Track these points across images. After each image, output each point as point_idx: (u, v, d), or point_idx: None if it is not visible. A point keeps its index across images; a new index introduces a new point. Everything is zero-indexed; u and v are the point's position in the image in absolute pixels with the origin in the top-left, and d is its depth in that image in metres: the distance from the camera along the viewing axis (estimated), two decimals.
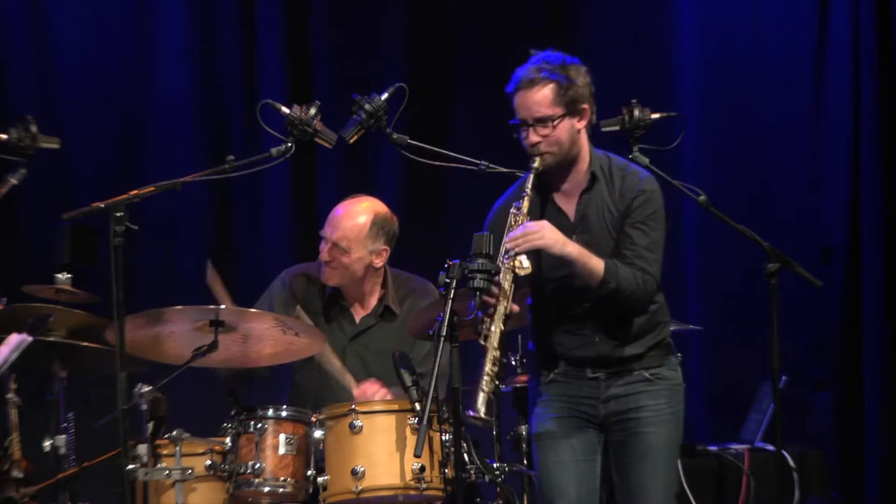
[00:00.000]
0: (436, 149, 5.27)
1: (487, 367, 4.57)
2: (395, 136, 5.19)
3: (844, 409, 7.36)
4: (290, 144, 5.04)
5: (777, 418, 5.81)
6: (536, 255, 4.72)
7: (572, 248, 4.69)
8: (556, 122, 4.73)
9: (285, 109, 5.07)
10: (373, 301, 5.77)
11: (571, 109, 4.75)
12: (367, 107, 5.13)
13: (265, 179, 7.35)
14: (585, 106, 4.79)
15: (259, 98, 5.51)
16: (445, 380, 4.74)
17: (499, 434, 5.74)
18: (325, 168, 7.57)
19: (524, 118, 4.75)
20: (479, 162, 5.29)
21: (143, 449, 4.96)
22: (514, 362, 6.34)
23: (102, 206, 4.74)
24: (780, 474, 6.42)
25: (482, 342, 4.60)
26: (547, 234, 4.67)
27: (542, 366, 4.93)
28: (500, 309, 4.60)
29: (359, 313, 5.77)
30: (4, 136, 4.57)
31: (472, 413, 4.55)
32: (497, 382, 4.59)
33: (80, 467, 5.55)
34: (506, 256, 4.64)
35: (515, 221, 4.72)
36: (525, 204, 4.73)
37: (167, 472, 5.00)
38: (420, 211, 7.46)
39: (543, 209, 4.83)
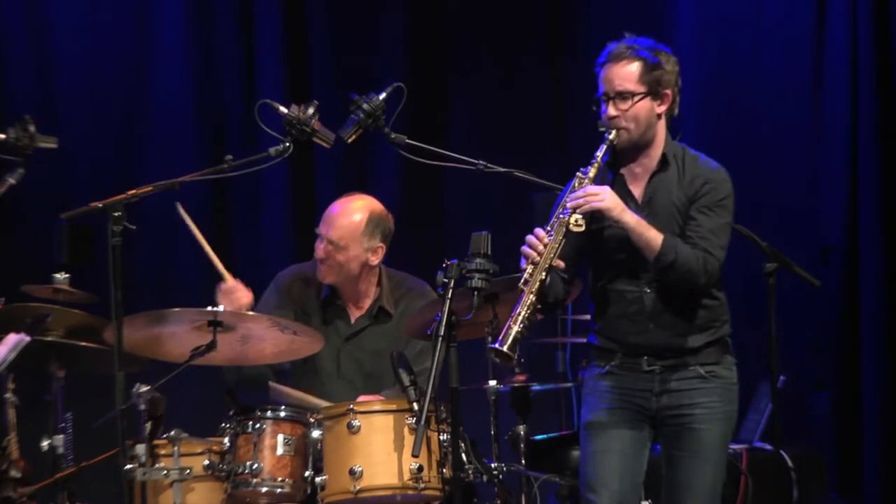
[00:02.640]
0: (434, 148, 5.27)
1: (521, 309, 4.56)
2: (393, 136, 5.19)
3: (843, 408, 7.36)
4: (288, 144, 5.05)
5: (775, 418, 5.82)
6: (599, 233, 4.74)
7: (630, 217, 4.69)
8: (637, 99, 4.75)
9: (283, 109, 5.07)
10: (368, 301, 5.77)
11: (654, 91, 4.77)
12: (365, 106, 5.12)
13: (263, 179, 7.35)
14: (668, 91, 4.80)
15: (257, 98, 5.51)
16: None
17: (496, 434, 5.73)
18: (323, 168, 7.57)
19: (607, 91, 4.78)
20: (477, 162, 5.29)
21: (141, 449, 4.96)
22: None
23: (100, 205, 4.74)
24: (778, 474, 6.42)
25: (521, 286, 4.59)
26: (608, 198, 4.68)
27: (599, 356, 4.89)
28: (546, 259, 4.59)
29: (354, 314, 5.77)
30: (2, 136, 4.57)
31: (497, 346, 4.52)
32: (527, 325, 4.56)
33: (79, 467, 5.56)
34: (563, 212, 4.65)
35: (580, 184, 4.72)
36: (593, 171, 4.73)
37: (165, 471, 5.00)
38: (418, 210, 7.47)
39: (612, 186, 4.81)
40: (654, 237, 4.69)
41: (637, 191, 4.84)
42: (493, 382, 5.70)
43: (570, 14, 7.79)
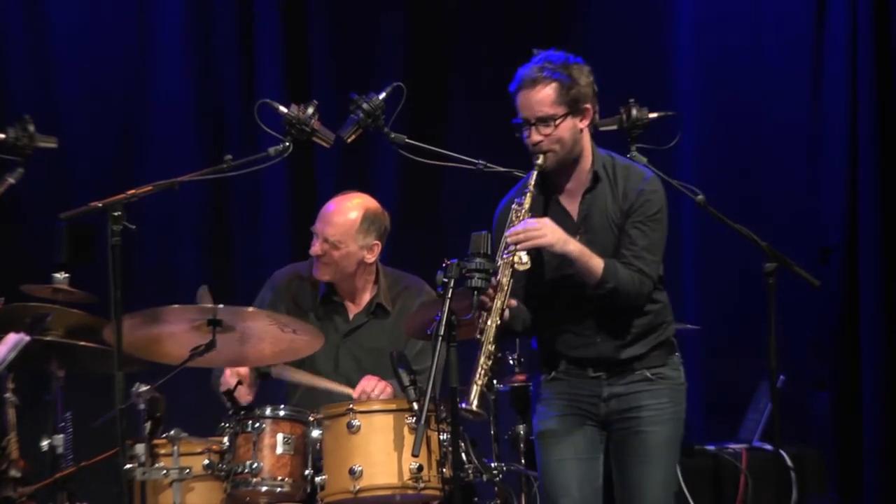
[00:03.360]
0: (433, 148, 5.27)
1: (482, 361, 4.55)
2: (392, 136, 5.19)
3: (842, 408, 7.36)
4: (287, 144, 5.04)
5: (775, 418, 5.81)
6: (537, 253, 4.71)
7: (573, 247, 4.68)
8: (558, 122, 4.72)
9: (283, 109, 5.06)
10: (365, 298, 5.77)
11: (574, 109, 4.74)
12: (364, 106, 5.13)
13: (263, 179, 7.35)
14: (588, 105, 4.78)
15: (257, 97, 5.51)
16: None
17: (496, 433, 5.74)
18: (322, 167, 7.57)
19: (526, 117, 4.74)
20: (476, 161, 5.29)
21: (140, 448, 4.95)
22: (511, 361, 6.34)
23: (100, 205, 4.74)
24: (777, 474, 6.42)
25: (478, 336, 4.58)
26: (548, 232, 4.66)
27: (543, 364, 4.92)
28: (497, 304, 4.59)
29: (352, 310, 5.78)
30: (2, 136, 4.57)
31: (464, 406, 4.54)
32: (491, 377, 4.58)
33: (78, 467, 5.56)
34: (506, 252, 4.63)
35: (517, 217, 4.71)
36: (527, 200, 4.71)
37: (165, 471, 5.00)
38: (418, 210, 7.47)
39: (546, 208, 4.83)
40: (596, 265, 4.70)
41: (572, 208, 4.84)
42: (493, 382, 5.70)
43: (570, 13, 7.79)
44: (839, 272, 7.35)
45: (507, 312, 4.60)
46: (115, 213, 4.69)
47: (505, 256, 4.62)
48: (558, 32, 7.78)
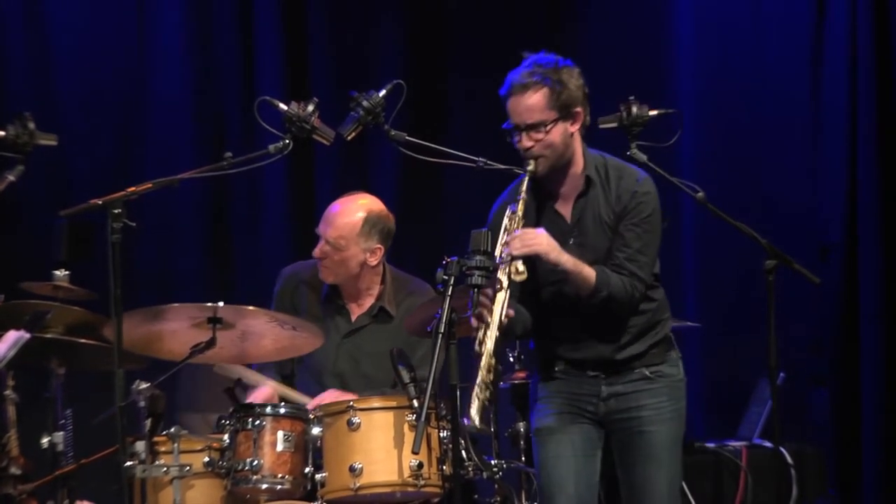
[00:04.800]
0: (434, 145, 5.27)
1: (482, 375, 4.55)
2: (392, 133, 5.18)
3: (842, 405, 7.36)
4: (287, 141, 5.04)
5: (775, 415, 5.81)
6: (532, 261, 4.70)
7: (567, 259, 4.68)
8: (549, 127, 4.71)
9: (283, 106, 5.06)
10: (369, 300, 5.76)
11: (564, 113, 4.73)
12: (364, 103, 5.12)
13: (263, 176, 7.35)
14: (579, 109, 4.76)
15: (257, 95, 5.50)
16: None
17: (497, 431, 5.74)
18: (322, 165, 7.57)
19: (517, 123, 4.73)
20: (477, 159, 5.29)
21: (141, 446, 4.95)
22: (511, 359, 6.34)
23: (100, 202, 4.73)
24: (777, 471, 6.42)
25: (477, 348, 4.57)
26: (543, 241, 4.66)
27: (542, 364, 4.92)
28: (496, 317, 4.58)
29: (355, 312, 5.77)
30: (2, 133, 4.57)
31: (466, 422, 4.55)
32: (492, 390, 4.58)
33: (78, 464, 5.56)
34: (502, 263, 4.61)
35: (511, 225, 4.70)
36: (520, 207, 4.70)
37: (165, 468, 5.00)
38: (418, 208, 7.46)
39: (540, 212, 4.82)
40: (589, 275, 4.69)
41: (565, 211, 4.83)
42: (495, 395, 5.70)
43: (569, 12, 7.78)
44: (839, 269, 7.34)
45: (505, 321, 4.59)
46: (115, 211, 4.69)
47: (501, 266, 4.61)
48: (557, 30, 7.77)
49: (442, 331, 4.51)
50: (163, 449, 5.04)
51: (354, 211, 5.69)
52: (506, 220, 4.71)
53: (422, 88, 7.19)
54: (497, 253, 4.62)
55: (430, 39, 7.79)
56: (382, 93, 5.15)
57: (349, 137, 5.17)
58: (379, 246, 5.68)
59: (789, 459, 6.54)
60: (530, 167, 4.72)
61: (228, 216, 7.64)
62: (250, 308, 5.20)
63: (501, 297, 4.59)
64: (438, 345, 4.51)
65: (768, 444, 6.64)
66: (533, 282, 4.76)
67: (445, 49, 7.81)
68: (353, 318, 5.76)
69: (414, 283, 5.79)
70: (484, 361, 4.56)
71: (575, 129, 4.77)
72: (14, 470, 5.54)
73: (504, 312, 4.58)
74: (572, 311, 4.79)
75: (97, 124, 7.49)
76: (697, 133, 7.40)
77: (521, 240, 4.63)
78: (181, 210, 7.49)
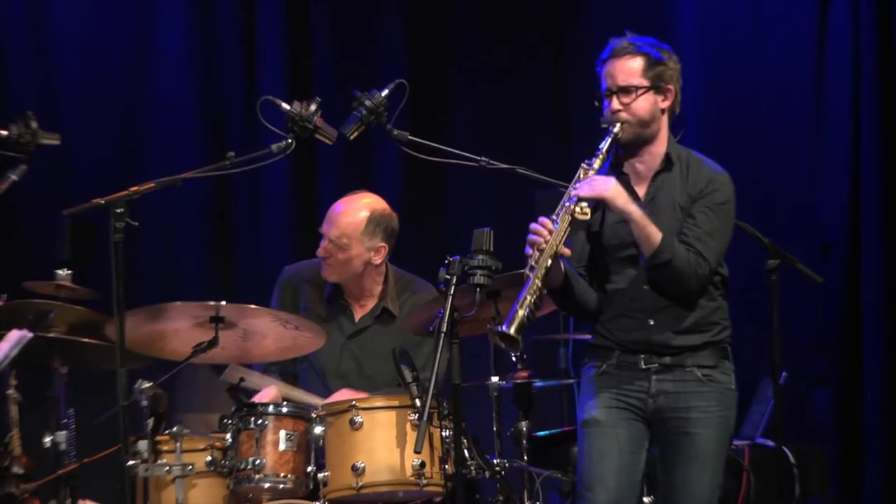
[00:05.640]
0: (436, 145, 5.27)
1: (528, 293, 4.54)
2: (395, 133, 5.18)
3: (844, 404, 7.36)
4: (290, 141, 5.03)
5: (777, 414, 5.81)
6: (601, 222, 4.76)
7: (634, 209, 4.69)
8: (640, 93, 4.76)
9: (285, 106, 5.06)
10: (372, 301, 5.76)
11: (656, 85, 4.78)
12: (367, 103, 5.12)
13: (265, 176, 7.35)
14: (671, 87, 4.81)
15: (259, 94, 5.51)
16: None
17: (499, 430, 5.73)
18: (325, 164, 7.57)
19: (610, 86, 4.79)
20: (479, 158, 5.28)
21: (143, 445, 4.95)
22: (513, 358, 6.34)
23: (102, 202, 4.73)
24: (780, 470, 6.42)
25: (527, 272, 4.58)
26: (613, 187, 4.68)
27: (596, 355, 4.88)
28: (551, 245, 4.59)
29: (358, 312, 5.77)
30: (5, 133, 4.57)
31: (503, 328, 4.51)
32: (533, 311, 4.55)
33: (81, 463, 5.55)
34: (568, 199, 4.65)
35: (585, 174, 4.72)
36: (597, 163, 4.74)
37: (167, 468, 5.00)
38: (420, 207, 7.47)
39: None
40: (655, 233, 4.69)
41: (640, 189, 4.83)
42: (495, 379, 5.71)
43: (571, 10, 7.79)
44: (841, 269, 7.34)
45: (564, 251, 4.62)
46: (118, 210, 4.69)
47: (567, 203, 4.65)
48: (560, 29, 7.78)
49: (444, 330, 4.52)
50: (165, 448, 5.04)
51: (358, 210, 5.69)
52: (579, 171, 4.74)
53: (425, 88, 7.20)
54: (565, 196, 4.67)
55: (433, 39, 7.80)
56: (385, 92, 5.14)
57: (352, 137, 5.17)
58: (383, 244, 5.68)
59: (792, 458, 6.53)
60: (615, 129, 4.75)
61: (231, 215, 7.64)
62: (252, 307, 5.21)
63: (561, 229, 4.61)
64: (441, 344, 4.51)
65: (771, 444, 6.64)
66: (599, 247, 4.79)
67: (448, 48, 7.81)
68: (357, 318, 5.75)
69: (417, 282, 5.79)
70: (532, 283, 4.56)
71: (665, 105, 4.82)
72: (17, 469, 5.54)
73: (561, 245, 4.60)
74: (634, 287, 4.78)
75: (100, 124, 7.49)
76: (700, 132, 7.39)
77: (590, 183, 4.67)
78: (184, 209, 7.50)
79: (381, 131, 5.18)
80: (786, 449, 6.46)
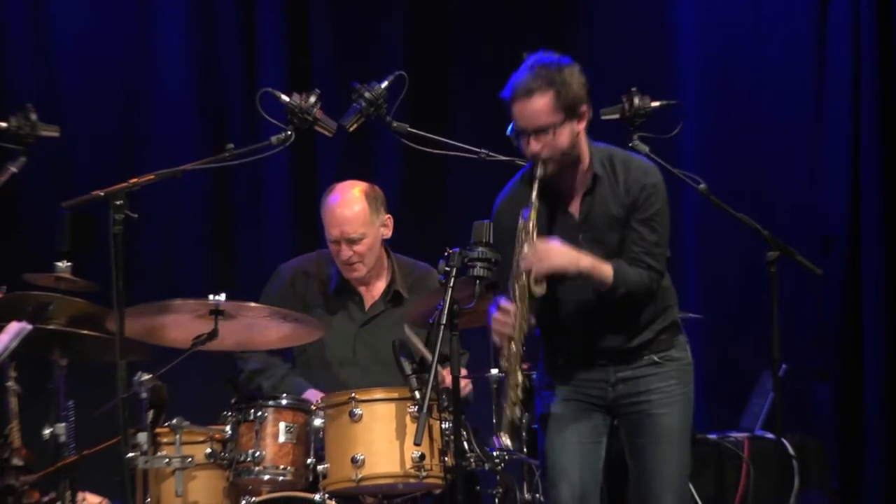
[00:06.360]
0: (436, 137, 5.27)
1: (511, 395, 4.58)
2: (395, 125, 5.18)
3: (845, 397, 7.36)
4: (289, 133, 5.04)
5: (777, 407, 5.81)
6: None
7: (585, 263, 4.65)
8: (556, 129, 4.66)
9: (285, 98, 5.06)
10: (380, 287, 5.79)
11: (570, 114, 4.67)
12: (367, 95, 5.12)
13: (265, 168, 7.35)
14: (584, 108, 4.71)
15: (259, 86, 5.50)
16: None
17: (498, 422, 5.73)
18: (325, 156, 7.56)
19: (524, 128, 4.67)
20: (479, 150, 5.29)
21: (143, 437, 4.96)
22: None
23: (102, 194, 4.74)
24: (780, 463, 6.41)
25: (504, 365, 4.59)
26: (562, 255, 4.63)
27: (549, 352, 4.91)
28: (520, 331, 4.58)
29: (368, 300, 5.79)
30: (4, 125, 4.57)
31: (498, 444, 4.55)
32: (520, 406, 4.58)
33: (81, 455, 5.55)
34: (519, 279, 4.59)
35: (526, 234, 4.64)
36: (533, 214, 4.65)
37: (167, 460, 5.01)
38: (420, 199, 7.46)
39: (550, 212, 4.78)
40: (607, 273, 4.67)
41: (574, 208, 4.79)
42: (494, 371, 5.70)
43: (571, 10, 7.77)
44: (842, 261, 7.34)
45: (531, 324, 4.62)
46: (117, 202, 4.69)
47: (519, 280, 4.59)
48: (560, 26, 7.76)
49: (444, 322, 4.52)
50: (165, 440, 5.05)
51: (356, 200, 5.71)
52: (520, 231, 4.65)
53: (424, 80, 7.18)
54: (514, 266, 4.60)
55: (433, 31, 7.79)
56: (384, 84, 5.15)
57: (351, 129, 5.17)
58: (388, 215, 5.72)
59: (791, 451, 6.53)
60: (539, 173, 4.66)
61: (231, 207, 7.63)
62: (252, 304, 5.20)
63: (522, 309, 4.58)
64: (440, 336, 4.51)
65: (770, 436, 6.63)
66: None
67: (447, 40, 7.80)
68: (367, 306, 5.78)
69: (419, 266, 5.84)
70: (512, 380, 4.59)
71: (581, 127, 4.72)
72: (16, 461, 5.54)
73: (526, 326, 4.60)
74: (583, 307, 4.78)
75: (100, 116, 7.48)
76: (700, 124, 7.40)
77: (538, 258, 4.60)
78: (183, 201, 7.49)
79: (381, 123, 5.19)
80: (785, 441, 6.46)
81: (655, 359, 4.81)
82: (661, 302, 4.83)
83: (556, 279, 4.71)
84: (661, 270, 4.75)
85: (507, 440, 4.56)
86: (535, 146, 4.66)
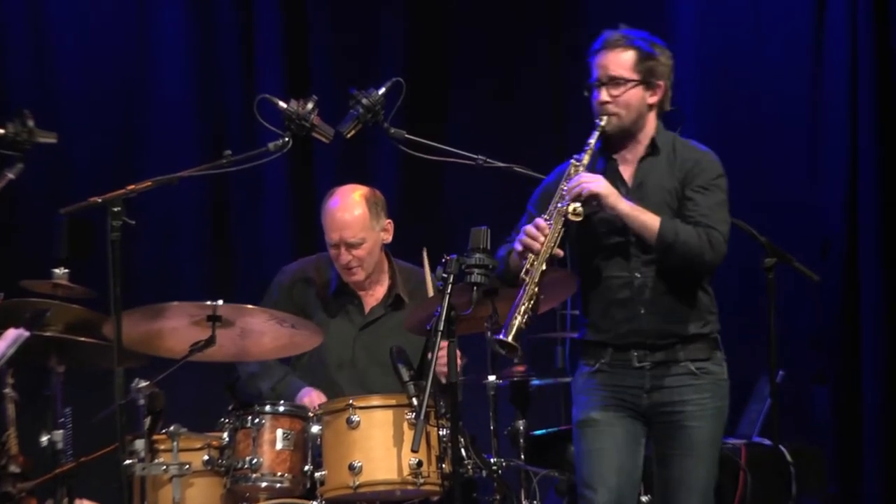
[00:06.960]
0: (433, 143, 5.27)
1: (524, 300, 4.57)
2: (392, 131, 5.19)
3: (842, 403, 7.35)
4: (287, 139, 5.04)
5: (774, 413, 5.81)
6: (590, 218, 4.73)
7: (624, 205, 4.70)
8: (629, 86, 4.77)
9: (283, 104, 5.06)
10: (381, 291, 5.79)
11: (647, 80, 4.80)
12: (364, 101, 5.12)
13: (263, 174, 7.34)
14: (661, 83, 4.83)
15: (257, 93, 5.51)
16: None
17: (496, 429, 5.73)
18: (322, 163, 7.56)
19: (600, 77, 4.81)
20: (476, 157, 5.29)
21: (140, 444, 4.96)
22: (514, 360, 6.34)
23: (100, 200, 4.74)
24: (777, 469, 6.42)
25: (523, 276, 4.60)
26: (603, 183, 4.69)
27: (588, 354, 4.90)
28: (546, 249, 4.61)
29: (368, 303, 5.79)
30: (1, 131, 4.56)
31: (501, 336, 4.53)
32: (530, 315, 4.57)
33: (78, 462, 5.54)
34: (562, 202, 4.67)
35: (574, 171, 4.74)
36: (586, 157, 4.76)
37: (164, 467, 5.00)
38: (417, 206, 7.46)
39: (603, 172, 4.82)
40: (651, 220, 4.70)
41: (627, 174, 4.85)
42: (492, 378, 5.70)
43: (571, 10, 7.78)
44: (839, 267, 7.34)
45: (558, 252, 4.65)
46: (115, 209, 4.69)
47: (559, 206, 4.66)
48: (559, 28, 7.77)
49: (441, 328, 4.52)
50: (162, 447, 5.04)
51: (355, 204, 5.71)
52: (570, 168, 4.75)
53: (422, 86, 7.18)
54: (556, 196, 4.68)
55: (431, 37, 7.79)
56: (382, 91, 5.15)
57: (349, 135, 5.17)
58: (388, 220, 5.72)
59: (789, 457, 6.53)
60: (602, 123, 4.77)
61: (228, 214, 7.63)
62: (249, 307, 5.20)
63: (555, 230, 4.63)
64: (437, 342, 4.51)
65: (768, 442, 6.64)
66: (590, 240, 4.80)
67: (446, 47, 7.80)
68: (367, 309, 5.78)
69: (420, 272, 5.83)
70: (528, 289, 4.58)
71: (654, 100, 4.83)
72: (13, 468, 5.54)
73: (554, 249, 4.62)
74: (624, 279, 4.79)
75: (98, 122, 7.48)
76: (697, 130, 7.37)
77: (579, 181, 4.67)
78: (181, 208, 7.49)
79: (379, 130, 5.19)
80: (783, 448, 6.46)
81: (692, 368, 4.80)
82: (701, 304, 4.82)
83: (600, 234, 4.76)
84: (723, 231, 4.73)
85: (510, 337, 4.51)
86: (604, 96, 4.79)
